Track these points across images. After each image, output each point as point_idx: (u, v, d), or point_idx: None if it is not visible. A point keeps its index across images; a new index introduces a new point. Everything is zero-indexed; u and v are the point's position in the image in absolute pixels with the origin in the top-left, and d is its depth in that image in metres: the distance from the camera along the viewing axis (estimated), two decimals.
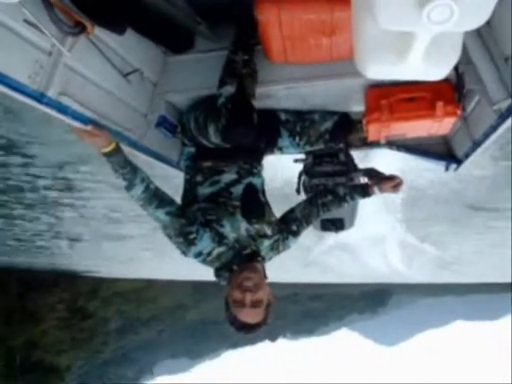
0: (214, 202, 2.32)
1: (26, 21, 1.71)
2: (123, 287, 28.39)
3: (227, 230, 2.22)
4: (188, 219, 2.22)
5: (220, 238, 2.20)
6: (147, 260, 19.64)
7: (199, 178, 2.47)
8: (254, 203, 2.40)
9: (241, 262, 2.18)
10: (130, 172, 2.21)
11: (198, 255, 2.21)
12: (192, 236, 2.17)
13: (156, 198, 2.26)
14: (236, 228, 2.24)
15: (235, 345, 65.45)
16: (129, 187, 2.24)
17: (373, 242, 15.79)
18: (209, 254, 2.20)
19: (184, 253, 2.23)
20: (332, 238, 14.25)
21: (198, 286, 35.06)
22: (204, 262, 2.24)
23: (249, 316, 2.03)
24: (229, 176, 2.43)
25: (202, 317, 47.68)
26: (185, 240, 2.18)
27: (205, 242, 2.18)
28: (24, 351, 20.76)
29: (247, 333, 2.09)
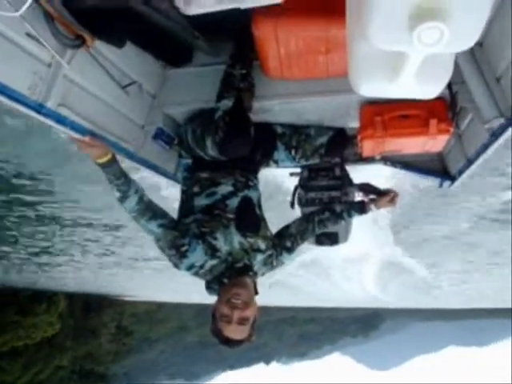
0: (210, 213, 2.31)
1: (27, 34, 1.75)
2: (138, 308, 31.96)
3: (220, 242, 2.22)
4: (181, 231, 2.22)
5: (213, 251, 2.20)
6: (160, 283, 21.16)
7: (196, 189, 2.47)
8: (249, 217, 2.40)
9: (232, 276, 2.18)
10: (124, 184, 2.22)
11: (190, 268, 2.21)
12: (184, 248, 2.18)
13: (149, 210, 2.27)
14: (229, 241, 2.23)
15: (231, 367, 65.28)
16: (122, 198, 2.24)
17: (348, 261, 15.66)
18: (201, 266, 2.20)
19: (176, 265, 2.22)
20: (303, 256, 14.09)
21: (201, 309, 36.67)
22: (196, 274, 2.24)
23: (234, 332, 2.04)
24: (225, 188, 2.43)
25: (201, 339, 48.60)
26: (177, 252, 2.19)
27: (197, 255, 2.18)
28: (83, 361, 27.18)
29: (230, 347, 2.10)
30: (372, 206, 2.56)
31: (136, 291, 27.39)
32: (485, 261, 12.60)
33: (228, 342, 2.06)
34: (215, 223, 2.26)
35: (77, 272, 17.48)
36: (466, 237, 9.87)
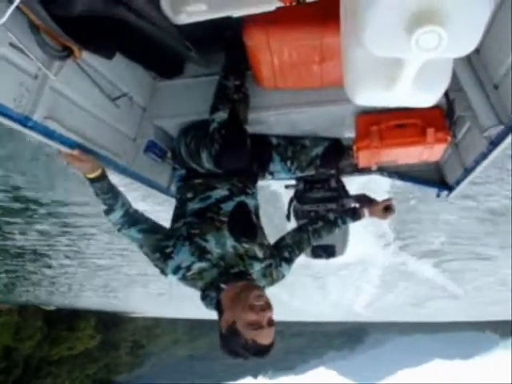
0: (202, 216, 2.24)
1: (11, 44, 1.69)
2: (138, 324, 33.96)
3: (211, 245, 2.12)
4: (164, 234, 2.17)
5: (201, 253, 2.09)
6: (158, 299, 22.01)
7: (190, 195, 2.40)
8: (245, 222, 2.32)
9: (229, 281, 2.04)
10: (111, 198, 2.20)
11: (176, 270, 2.08)
12: (169, 250, 2.09)
13: (132, 219, 2.24)
14: (221, 244, 2.14)
15: (219, 380, 65.29)
16: (108, 211, 2.23)
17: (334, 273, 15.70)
18: (188, 268, 2.07)
19: (163, 271, 2.11)
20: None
21: (194, 324, 38.08)
22: (184, 279, 2.09)
23: (268, 336, 1.86)
24: (220, 192, 2.36)
25: (191, 352, 49.16)
26: (161, 255, 2.10)
27: (183, 255, 2.08)
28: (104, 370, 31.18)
29: (264, 356, 1.89)
30: (366, 212, 2.57)
31: (137, 308, 28.68)
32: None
33: (263, 349, 1.87)
34: (207, 226, 2.18)
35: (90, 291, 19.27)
36: None
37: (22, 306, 20.22)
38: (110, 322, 29.31)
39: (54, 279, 15.95)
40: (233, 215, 2.27)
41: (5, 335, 19.15)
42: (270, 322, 1.87)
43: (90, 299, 21.75)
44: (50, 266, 13.59)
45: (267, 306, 1.89)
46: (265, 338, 1.85)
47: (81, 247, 11.28)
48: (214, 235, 2.15)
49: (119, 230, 2.26)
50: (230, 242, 2.16)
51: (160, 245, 2.12)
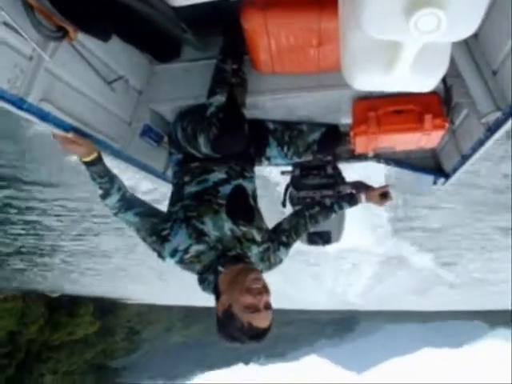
0: (199, 199, 2.22)
1: (5, 23, 1.67)
2: (133, 310, 33.98)
3: (208, 227, 2.10)
4: (161, 218, 2.15)
5: (198, 235, 2.07)
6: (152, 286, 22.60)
7: (187, 178, 2.38)
8: (243, 205, 2.31)
9: (226, 264, 2.02)
10: (108, 182, 2.18)
11: (173, 253, 2.06)
12: (165, 232, 2.08)
13: (128, 203, 2.23)
14: (219, 226, 2.12)
15: (211, 367, 65.97)
16: (104, 196, 2.21)
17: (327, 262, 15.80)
18: (185, 251, 2.05)
19: (160, 254, 2.09)
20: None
21: (189, 311, 38.23)
22: (182, 262, 2.08)
23: (265, 320, 1.84)
24: (218, 175, 2.34)
25: (185, 339, 49.03)
26: (158, 238, 2.08)
27: (180, 238, 2.06)
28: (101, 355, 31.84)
29: (260, 340, 1.87)
30: (362, 197, 2.57)
31: (130, 295, 29.08)
32: None
33: (260, 333, 1.84)
34: (204, 208, 2.16)
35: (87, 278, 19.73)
36: None
37: (26, 292, 20.72)
38: (106, 309, 29.57)
39: (52, 266, 16.19)
40: (231, 198, 2.25)
41: (10, 320, 19.86)
42: (267, 306, 1.86)
43: (89, 286, 22.15)
44: (43, 255, 13.74)
45: (264, 290, 1.87)
46: (261, 321, 1.83)
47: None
48: (212, 218, 2.13)
49: (115, 215, 2.25)
50: (227, 225, 2.14)
51: (157, 228, 2.11)
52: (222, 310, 1.88)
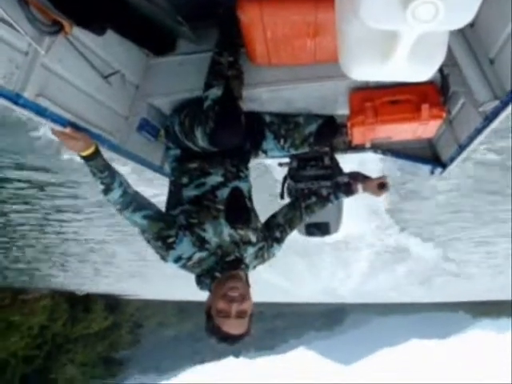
0: (199, 204, 2.25)
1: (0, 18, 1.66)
2: (135, 305, 35.46)
3: (209, 234, 2.16)
4: (167, 222, 2.16)
5: (201, 243, 2.14)
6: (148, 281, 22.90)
7: (185, 180, 2.41)
8: (240, 208, 2.34)
9: (224, 269, 2.12)
10: (108, 176, 2.16)
11: (177, 260, 2.13)
12: (171, 240, 2.11)
13: (133, 202, 2.21)
14: (219, 233, 2.18)
15: (202, 361, 66.88)
16: (106, 191, 2.19)
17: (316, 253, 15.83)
18: (189, 258, 2.13)
19: (163, 258, 2.15)
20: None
21: (183, 306, 39.55)
22: (184, 267, 2.17)
23: (234, 327, 1.97)
24: (215, 178, 2.37)
25: (177, 333, 50.24)
26: (163, 244, 2.11)
27: (184, 246, 2.12)
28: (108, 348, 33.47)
29: (230, 344, 2.02)
30: (359, 187, 2.59)
31: (131, 291, 29.83)
32: None
33: (228, 337, 1.99)
34: (204, 214, 2.20)
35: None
36: None
37: (54, 291, 22.80)
38: (112, 304, 30.95)
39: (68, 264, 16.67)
40: (228, 203, 2.30)
41: (42, 316, 22.39)
42: (240, 314, 1.97)
43: (99, 283, 23.20)
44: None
45: (240, 299, 1.98)
46: (230, 327, 1.97)
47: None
48: (212, 224, 2.18)
49: (120, 212, 2.22)
50: (226, 231, 2.20)
51: (163, 234, 2.12)
52: (205, 309, 2.05)
